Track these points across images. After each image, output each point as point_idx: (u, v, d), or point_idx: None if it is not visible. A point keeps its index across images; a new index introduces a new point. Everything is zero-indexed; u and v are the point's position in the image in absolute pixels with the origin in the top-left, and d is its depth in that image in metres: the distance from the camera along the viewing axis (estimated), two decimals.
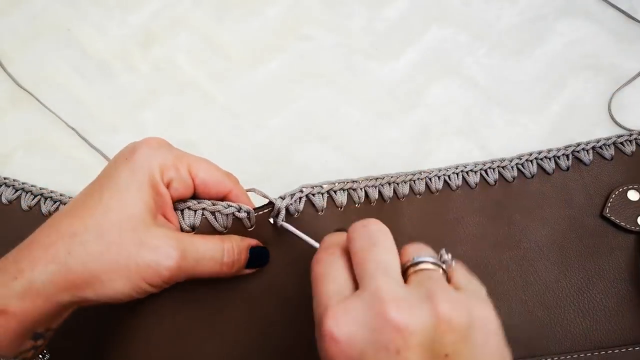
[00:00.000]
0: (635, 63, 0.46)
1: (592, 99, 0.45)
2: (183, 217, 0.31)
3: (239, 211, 0.31)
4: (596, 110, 0.44)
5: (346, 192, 0.35)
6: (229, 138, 0.45)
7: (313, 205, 0.34)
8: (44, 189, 0.40)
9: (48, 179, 0.43)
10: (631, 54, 0.46)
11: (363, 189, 0.36)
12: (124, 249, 0.27)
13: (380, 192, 0.36)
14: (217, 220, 0.31)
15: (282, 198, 0.33)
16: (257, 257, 0.32)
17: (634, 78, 0.45)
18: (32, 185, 0.40)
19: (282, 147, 0.44)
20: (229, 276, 0.31)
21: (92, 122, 0.45)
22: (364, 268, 0.24)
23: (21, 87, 0.46)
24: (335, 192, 0.35)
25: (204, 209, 0.31)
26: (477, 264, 0.36)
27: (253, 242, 0.33)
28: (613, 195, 0.38)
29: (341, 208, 0.35)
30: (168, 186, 0.30)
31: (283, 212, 0.32)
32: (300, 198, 0.34)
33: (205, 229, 0.31)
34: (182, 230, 0.31)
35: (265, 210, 0.33)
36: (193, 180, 0.31)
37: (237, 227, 0.32)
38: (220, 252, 0.30)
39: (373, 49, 0.47)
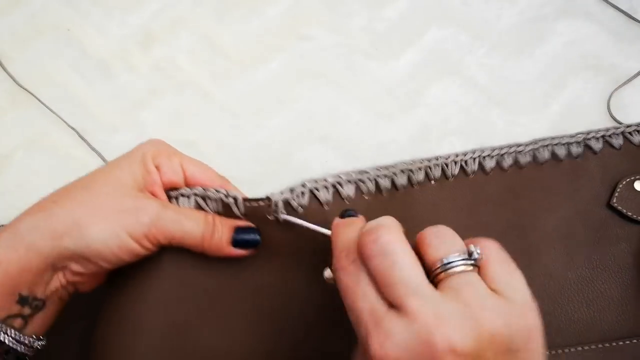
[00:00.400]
0: (635, 63, 0.46)
1: (592, 98, 0.45)
2: (178, 204, 0.32)
3: (226, 197, 0.32)
4: (596, 110, 0.45)
5: (354, 184, 0.34)
6: (229, 138, 0.45)
7: (318, 199, 0.33)
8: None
9: (48, 179, 0.43)
10: (631, 54, 0.46)
11: (374, 179, 0.35)
12: (107, 199, 0.29)
13: (393, 181, 0.35)
14: (208, 206, 0.32)
15: (282, 193, 0.33)
16: (243, 237, 0.31)
17: (633, 77, 0.45)
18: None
19: (282, 147, 0.44)
20: (211, 250, 0.31)
21: (92, 122, 0.45)
22: (392, 291, 0.23)
23: (21, 86, 0.46)
24: (341, 184, 0.34)
25: (195, 194, 0.32)
26: None
27: (240, 222, 0.32)
28: (620, 186, 0.38)
29: (348, 201, 0.34)
30: (158, 169, 0.31)
31: (280, 204, 0.32)
32: (302, 192, 0.33)
33: None
34: None
35: (260, 203, 0.32)
36: (184, 173, 0.32)
37: (228, 215, 0.32)
38: (202, 220, 0.30)
39: (373, 49, 0.47)
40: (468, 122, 0.44)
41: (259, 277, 0.33)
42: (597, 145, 0.39)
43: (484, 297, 0.23)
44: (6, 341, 0.27)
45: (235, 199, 0.32)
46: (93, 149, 0.44)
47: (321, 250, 0.32)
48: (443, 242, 0.25)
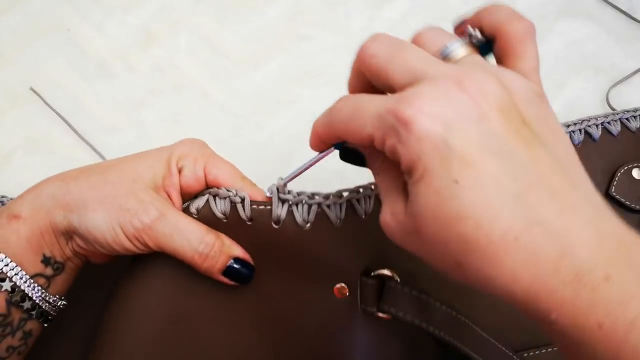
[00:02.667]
0: (635, 63, 0.46)
1: (592, 98, 0.45)
2: (194, 202, 0.31)
3: (234, 196, 0.31)
4: (596, 109, 0.45)
5: (372, 198, 0.32)
6: (229, 138, 0.45)
7: (327, 217, 0.31)
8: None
9: None
10: (631, 54, 0.46)
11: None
12: (116, 189, 0.29)
13: None
14: (216, 205, 0.31)
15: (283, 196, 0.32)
16: (235, 271, 0.30)
17: (631, 75, 0.45)
18: (10, 199, 0.39)
19: (282, 147, 0.44)
20: (201, 271, 0.30)
21: (92, 122, 0.45)
22: (410, 67, 0.22)
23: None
24: (357, 200, 0.31)
25: (209, 192, 0.32)
26: None
27: (241, 253, 0.31)
28: (618, 174, 0.37)
29: (365, 216, 0.32)
30: (180, 172, 0.32)
31: (275, 188, 0.31)
32: (310, 206, 0.31)
33: (206, 212, 0.31)
34: (190, 214, 0.31)
35: (266, 206, 0.31)
36: (206, 177, 0.32)
37: (235, 216, 0.31)
38: (199, 240, 0.29)
39: None
40: None
41: (265, 284, 0.32)
42: (596, 133, 0.39)
43: (497, 68, 0.23)
44: (34, 297, 0.29)
45: (242, 199, 0.31)
46: (93, 149, 0.44)
47: (324, 262, 0.32)
48: (439, 34, 0.25)
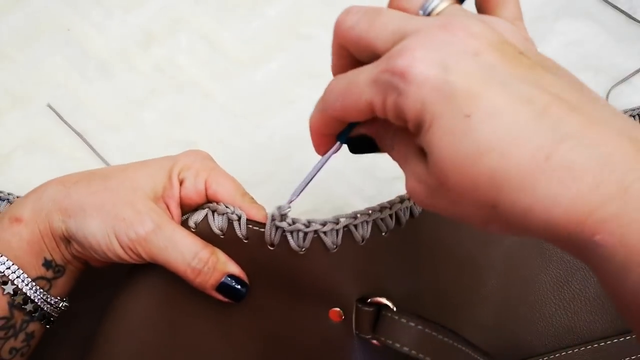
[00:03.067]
0: (635, 63, 0.46)
1: None
2: (193, 215, 0.31)
3: (231, 213, 0.31)
4: None
5: (370, 224, 0.31)
6: (229, 138, 0.45)
7: (323, 242, 0.30)
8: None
9: (48, 179, 0.43)
10: (631, 54, 0.46)
11: (394, 213, 0.31)
12: (115, 197, 0.29)
13: (411, 210, 0.33)
14: (214, 221, 0.31)
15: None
16: (229, 287, 0.30)
17: (631, 75, 0.45)
18: (17, 196, 0.40)
19: (282, 147, 0.44)
20: (194, 285, 0.30)
21: (92, 122, 0.45)
22: (391, 29, 0.22)
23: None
24: (355, 226, 0.30)
25: (208, 207, 0.31)
26: (468, 263, 0.36)
27: (236, 270, 0.30)
28: None
29: (362, 241, 0.31)
30: (181, 184, 0.31)
31: (270, 215, 0.30)
32: (306, 234, 0.30)
33: (204, 227, 0.31)
34: (187, 228, 0.31)
35: (260, 228, 0.31)
36: (206, 191, 0.32)
37: (232, 234, 0.31)
38: (193, 254, 0.29)
39: None
40: None
41: (251, 301, 0.32)
42: None
43: (477, 15, 0.23)
44: (36, 300, 0.29)
45: (239, 217, 0.31)
46: (93, 149, 0.44)
47: (320, 285, 0.31)
48: None
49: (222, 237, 0.31)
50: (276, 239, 0.30)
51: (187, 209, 0.32)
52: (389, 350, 0.30)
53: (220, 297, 0.30)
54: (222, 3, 0.50)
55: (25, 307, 0.29)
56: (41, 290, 0.29)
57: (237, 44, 0.48)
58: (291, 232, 0.30)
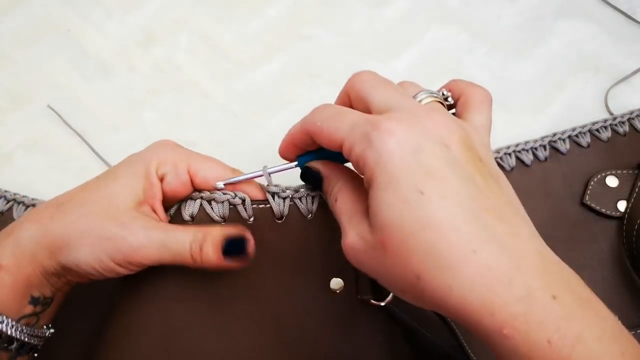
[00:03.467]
0: (634, 63, 0.46)
1: (591, 98, 0.45)
2: (185, 207, 0.31)
3: (233, 198, 0.31)
4: (596, 109, 0.45)
5: None
6: (229, 138, 0.45)
7: (298, 208, 0.32)
8: (35, 199, 0.39)
9: (48, 179, 0.43)
10: (630, 54, 0.46)
11: None
12: (97, 220, 0.29)
13: None
14: (213, 210, 0.31)
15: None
16: (234, 246, 0.30)
17: (630, 75, 0.45)
18: (23, 196, 0.40)
19: None
20: (203, 267, 0.30)
21: (92, 122, 0.45)
22: (389, 97, 0.26)
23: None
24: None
25: (202, 197, 0.31)
26: None
27: (232, 230, 0.30)
28: (592, 183, 0.38)
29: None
30: (162, 180, 0.31)
31: (268, 177, 0.31)
32: (313, 197, 0.32)
33: (203, 218, 0.31)
34: (183, 220, 0.31)
35: (265, 205, 0.32)
36: (193, 179, 0.31)
37: (235, 217, 0.31)
38: (190, 240, 0.29)
39: (373, 49, 0.48)
40: None
41: (260, 282, 0.32)
42: (563, 147, 0.39)
43: (453, 118, 0.26)
44: (22, 337, 0.29)
45: (243, 200, 0.31)
46: (93, 149, 0.44)
47: (326, 259, 0.32)
48: (416, 86, 0.29)
49: (223, 223, 0.31)
50: (285, 210, 0.32)
51: (174, 203, 0.32)
52: (392, 310, 0.32)
53: (232, 263, 0.30)
54: (222, 3, 0.50)
55: (11, 347, 0.28)
56: (27, 327, 0.29)
57: (237, 44, 0.48)
58: (299, 198, 0.32)
